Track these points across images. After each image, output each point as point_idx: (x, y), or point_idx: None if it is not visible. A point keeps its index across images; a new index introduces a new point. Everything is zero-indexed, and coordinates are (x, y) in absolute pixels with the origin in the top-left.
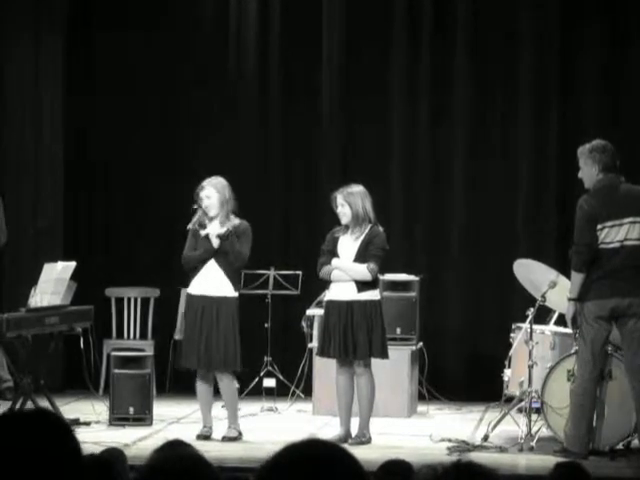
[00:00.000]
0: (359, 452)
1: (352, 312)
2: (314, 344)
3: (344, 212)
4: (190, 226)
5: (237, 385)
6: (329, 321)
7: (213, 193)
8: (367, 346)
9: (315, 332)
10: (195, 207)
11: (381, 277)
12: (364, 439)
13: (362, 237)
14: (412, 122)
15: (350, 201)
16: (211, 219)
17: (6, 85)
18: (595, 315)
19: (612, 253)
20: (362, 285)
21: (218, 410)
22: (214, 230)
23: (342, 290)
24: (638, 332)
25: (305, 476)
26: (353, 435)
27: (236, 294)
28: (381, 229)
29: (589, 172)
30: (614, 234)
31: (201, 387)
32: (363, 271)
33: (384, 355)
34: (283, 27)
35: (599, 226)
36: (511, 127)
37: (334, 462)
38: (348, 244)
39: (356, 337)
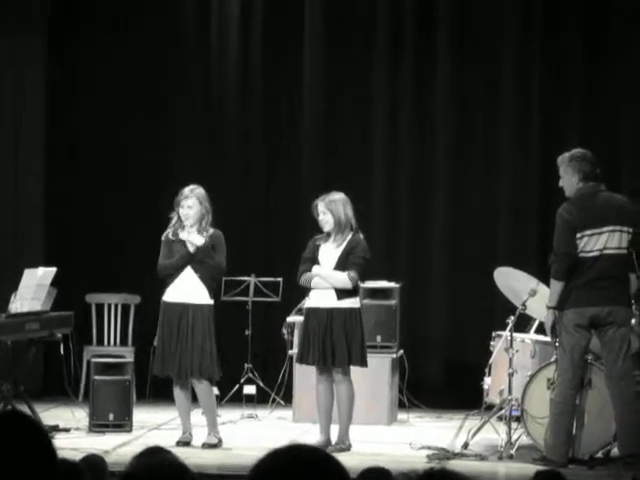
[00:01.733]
0: (339, 459)
1: (331, 320)
2: (294, 351)
3: (326, 220)
4: (164, 236)
5: (217, 392)
6: (308, 328)
7: (195, 204)
8: (346, 354)
9: (295, 339)
10: (172, 215)
11: (361, 284)
12: (344, 446)
13: (343, 245)
14: (394, 132)
15: (332, 208)
16: (184, 228)
17: None
18: (574, 323)
19: (592, 262)
20: (342, 293)
21: (198, 417)
22: (192, 238)
23: (322, 297)
24: (618, 341)
25: None
26: (333, 442)
27: (211, 301)
28: (362, 237)
29: (569, 181)
30: (594, 243)
31: (179, 394)
32: (343, 279)
33: (363, 363)
34: (264, 39)
35: (579, 234)
36: (492, 136)
37: (318, 466)
38: (329, 252)
39: (335, 345)
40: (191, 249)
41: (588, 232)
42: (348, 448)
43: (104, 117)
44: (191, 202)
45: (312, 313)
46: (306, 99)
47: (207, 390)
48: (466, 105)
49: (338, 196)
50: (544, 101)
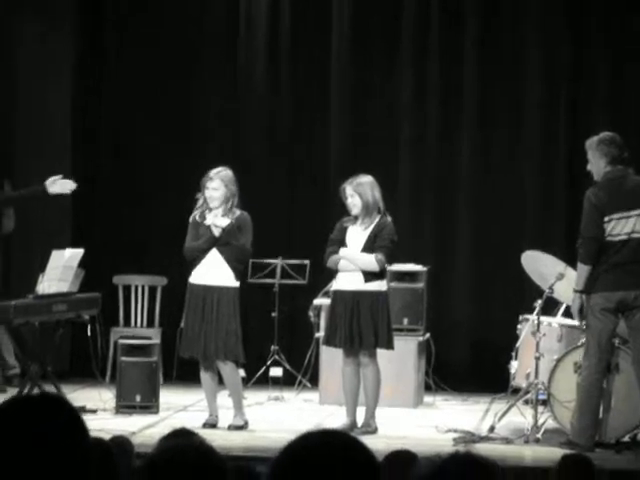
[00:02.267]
0: (364, 442)
1: (358, 302)
2: (321, 334)
3: (354, 203)
4: (192, 217)
5: (243, 374)
6: (335, 311)
7: (220, 186)
8: (373, 337)
9: (322, 322)
10: (198, 196)
11: (388, 267)
12: (370, 429)
13: (371, 227)
14: (421, 116)
15: (360, 191)
16: (211, 210)
17: (18, 69)
18: (601, 307)
19: (619, 245)
20: (369, 275)
21: (225, 399)
22: (217, 221)
23: (349, 280)
24: None
25: (320, 466)
26: (359, 425)
27: (237, 284)
28: (390, 220)
29: (597, 164)
30: (621, 226)
31: (205, 376)
32: (371, 261)
33: (390, 346)
34: (293, 27)
35: (606, 218)
36: (519, 120)
37: (346, 451)
38: (357, 234)
39: (362, 327)
40: (216, 233)
41: (616, 216)
42: (374, 431)
43: (132, 102)
44: (216, 184)
45: (339, 295)
46: (334, 83)
47: (233, 372)
48: (492, 91)
49: (366, 179)
50: (571, 84)
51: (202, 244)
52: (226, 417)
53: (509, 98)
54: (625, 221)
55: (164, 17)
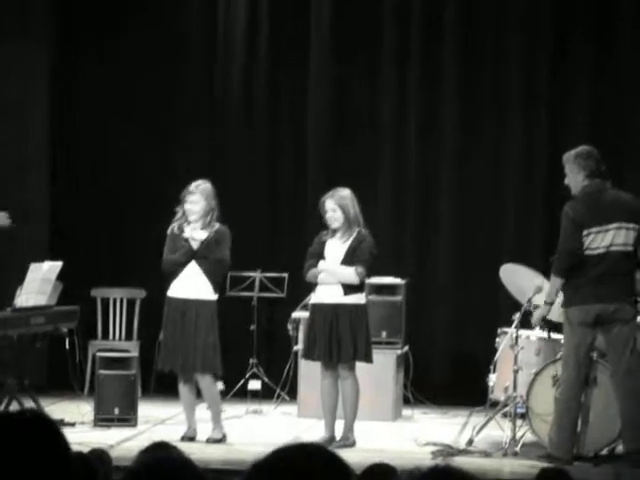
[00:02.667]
0: (343, 455)
1: (337, 315)
2: (299, 347)
3: (335, 217)
4: (170, 230)
5: (221, 387)
6: (314, 324)
7: (200, 200)
8: (352, 349)
9: (301, 335)
10: (177, 209)
11: (367, 280)
12: (348, 442)
13: (350, 240)
14: (400, 126)
15: (342, 205)
16: (189, 223)
17: None
18: (579, 321)
19: (598, 259)
20: (348, 288)
21: (203, 412)
22: (195, 234)
23: (328, 293)
24: (623, 337)
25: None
26: (337, 438)
27: (215, 297)
28: (369, 233)
29: (575, 178)
30: (600, 240)
31: (183, 389)
32: (350, 274)
33: (368, 359)
34: (271, 31)
35: (585, 232)
36: (500, 131)
37: (325, 465)
38: (336, 247)
39: (341, 340)
40: (194, 246)
41: (594, 229)
42: (353, 444)
43: (107, 112)
44: (195, 198)
45: (317, 308)
46: (311, 93)
47: (211, 385)
48: (473, 101)
49: (346, 192)
50: (552, 95)
51: (180, 257)
52: (204, 430)
53: (490, 106)
54: (603, 234)
55: (139, 36)
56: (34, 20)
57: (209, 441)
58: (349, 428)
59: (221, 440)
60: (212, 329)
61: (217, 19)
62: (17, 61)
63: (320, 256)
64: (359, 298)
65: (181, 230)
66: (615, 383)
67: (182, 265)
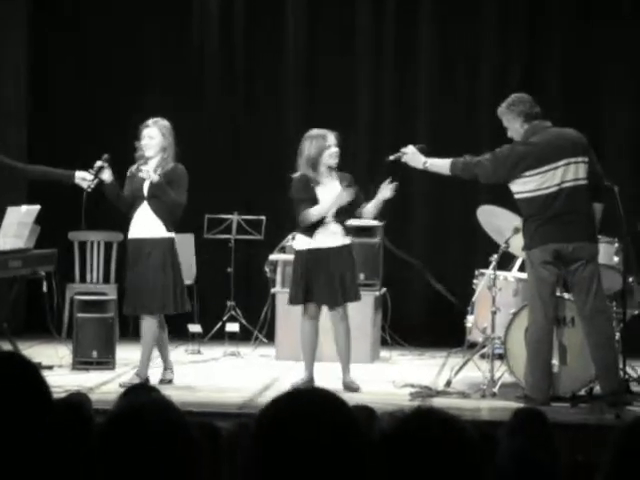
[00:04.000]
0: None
1: (341, 256)
2: (277, 289)
3: (336, 154)
4: (129, 171)
5: (199, 329)
6: (313, 268)
7: (157, 134)
8: (353, 289)
9: (278, 277)
10: (137, 145)
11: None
12: (355, 386)
13: (337, 180)
14: (377, 63)
15: (338, 144)
16: (146, 160)
17: None
18: (541, 260)
19: (551, 199)
20: (345, 230)
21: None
22: (148, 175)
23: (332, 236)
24: (586, 279)
25: (306, 424)
26: (342, 382)
27: (171, 234)
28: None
29: (514, 127)
30: (550, 179)
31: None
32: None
33: (359, 297)
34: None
35: (533, 171)
36: (473, 85)
37: (332, 410)
38: (330, 189)
39: (345, 281)
40: (145, 186)
41: (543, 169)
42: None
43: (84, 56)
44: (153, 132)
45: (320, 253)
46: (289, 31)
47: (148, 328)
48: (449, 51)
49: None
50: (525, 54)
51: (127, 198)
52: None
53: (465, 65)
54: (553, 172)
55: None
56: None
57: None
58: (349, 370)
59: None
60: (165, 267)
61: None
62: None
63: (314, 201)
64: (350, 238)
65: (139, 170)
66: (584, 325)
67: (131, 206)
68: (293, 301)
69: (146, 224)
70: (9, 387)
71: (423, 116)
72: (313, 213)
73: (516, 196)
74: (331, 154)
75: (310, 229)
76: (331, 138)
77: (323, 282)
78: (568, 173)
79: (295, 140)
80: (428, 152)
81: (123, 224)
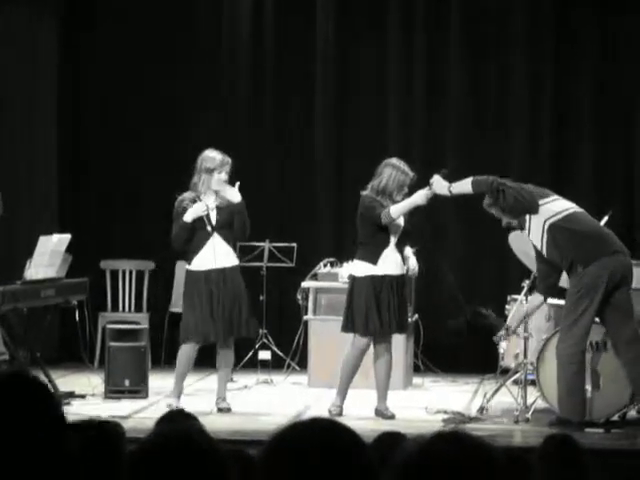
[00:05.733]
0: (354, 425)
1: (401, 285)
2: (309, 316)
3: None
4: (180, 204)
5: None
6: (380, 295)
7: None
8: (406, 318)
9: (310, 304)
10: (195, 180)
11: None
12: (390, 413)
13: None
14: (407, 100)
15: None
16: (200, 191)
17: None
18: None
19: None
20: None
21: (210, 382)
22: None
23: (395, 264)
24: (629, 303)
25: (308, 454)
26: (375, 409)
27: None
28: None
29: (499, 213)
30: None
31: (193, 357)
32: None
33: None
34: (275, 13)
35: (549, 198)
36: (506, 88)
37: (336, 438)
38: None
39: (402, 310)
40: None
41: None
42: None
43: (116, 87)
44: (229, 169)
45: (386, 280)
46: (319, 68)
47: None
48: (479, 76)
49: None
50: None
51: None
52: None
53: (495, 74)
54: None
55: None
56: None
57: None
58: (385, 398)
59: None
60: (245, 292)
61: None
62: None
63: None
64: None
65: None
66: (621, 349)
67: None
68: (364, 332)
69: (223, 253)
70: (18, 406)
71: (452, 154)
72: (395, 209)
73: (548, 223)
74: (405, 194)
75: (374, 256)
76: (409, 178)
77: (387, 310)
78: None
79: (324, 168)
80: (452, 177)
81: (154, 252)
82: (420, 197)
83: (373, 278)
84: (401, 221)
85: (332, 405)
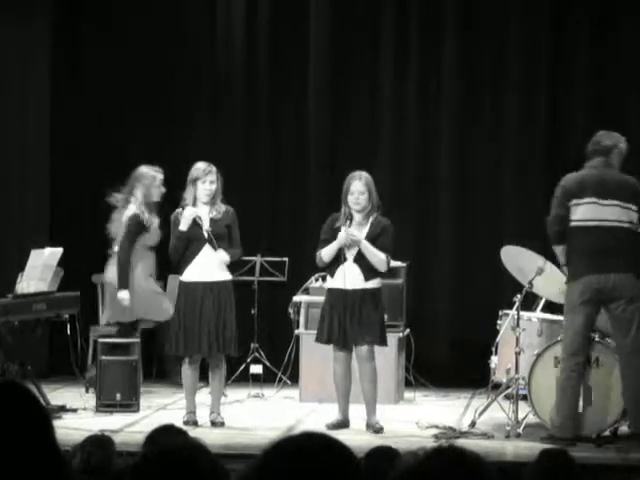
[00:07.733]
0: (344, 438)
1: (362, 299)
2: (301, 330)
3: (360, 201)
4: (174, 216)
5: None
6: (333, 308)
7: (215, 179)
8: (378, 332)
9: (302, 319)
10: (187, 194)
11: None
12: (379, 427)
13: (368, 227)
14: (399, 105)
15: (370, 189)
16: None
17: None
18: (579, 298)
19: (590, 231)
20: (370, 273)
21: (202, 396)
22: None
23: (350, 279)
24: (627, 320)
25: (302, 468)
26: (366, 423)
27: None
28: (389, 222)
29: None
30: (592, 212)
31: (190, 372)
32: (382, 261)
33: (384, 343)
34: (271, 22)
35: (574, 201)
36: (499, 111)
37: (327, 453)
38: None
39: (364, 324)
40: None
41: (586, 200)
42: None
43: (107, 102)
44: (214, 177)
45: (338, 294)
46: (311, 73)
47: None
48: (472, 78)
49: (369, 176)
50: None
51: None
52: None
53: (489, 85)
54: (600, 207)
55: (143, 17)
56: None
57: (216, 424)
58: (375, 412)
59: (223, 424)
60: (233, 310)
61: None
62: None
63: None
64: (379, 282)
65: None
66: (619, 363)
67: (197, 251)
68: (317, 339)
69: (212, 267)
70: (5, 413)
71: (444, 165)
72: (325, 252)
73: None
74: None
75: (332, 270)
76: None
77: (340, 323)
78: (613, 214)
79: (318, 182)
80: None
81: None
82: (341, 238)
83: (330, 290)
84: (362, 235)
85: (335, 421)
